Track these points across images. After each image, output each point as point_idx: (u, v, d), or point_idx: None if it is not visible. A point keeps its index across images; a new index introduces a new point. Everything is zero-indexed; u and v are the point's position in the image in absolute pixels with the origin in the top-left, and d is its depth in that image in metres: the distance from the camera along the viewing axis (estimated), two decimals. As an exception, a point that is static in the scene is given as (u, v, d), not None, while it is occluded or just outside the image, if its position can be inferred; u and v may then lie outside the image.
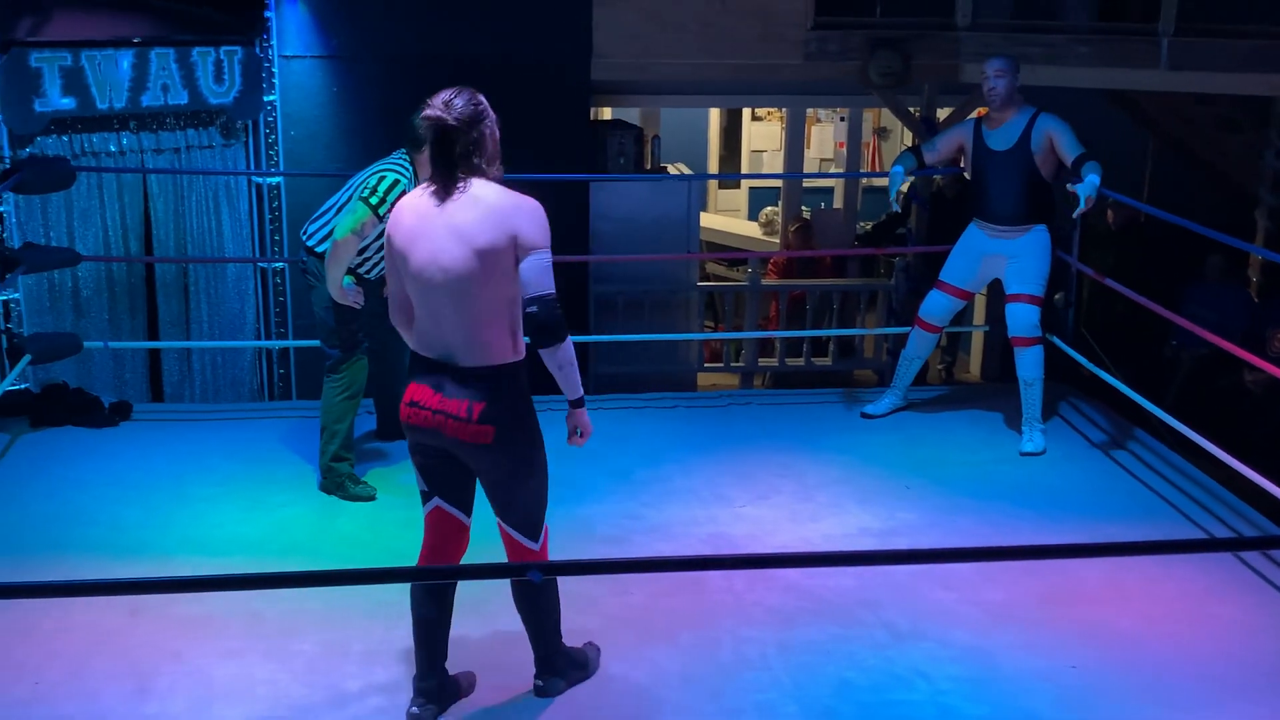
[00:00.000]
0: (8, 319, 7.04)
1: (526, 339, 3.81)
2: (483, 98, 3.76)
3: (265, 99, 7.92)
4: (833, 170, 13.39)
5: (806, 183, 12.35)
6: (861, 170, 12.11)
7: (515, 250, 3.68)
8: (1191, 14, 8.35)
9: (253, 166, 8.00)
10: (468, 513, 4.01)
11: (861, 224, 11.38)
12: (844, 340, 9.67)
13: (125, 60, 7.28)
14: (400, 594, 4.20)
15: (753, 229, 12.79)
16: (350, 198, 5.39)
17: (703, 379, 9.65)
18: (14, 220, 7.01)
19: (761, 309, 10.14)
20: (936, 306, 6.62)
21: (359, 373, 5.67)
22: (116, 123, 7.38)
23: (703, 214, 10.84)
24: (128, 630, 4.52)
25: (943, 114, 9.31)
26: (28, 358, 6.50)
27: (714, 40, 8.78)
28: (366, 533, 5.36)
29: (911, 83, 8.85)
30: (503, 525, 3.96)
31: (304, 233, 5.71)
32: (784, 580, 4.97)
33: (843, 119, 12.75)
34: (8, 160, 6.85)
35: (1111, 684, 4.36)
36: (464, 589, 4.28)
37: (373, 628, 4.55)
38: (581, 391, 3.87)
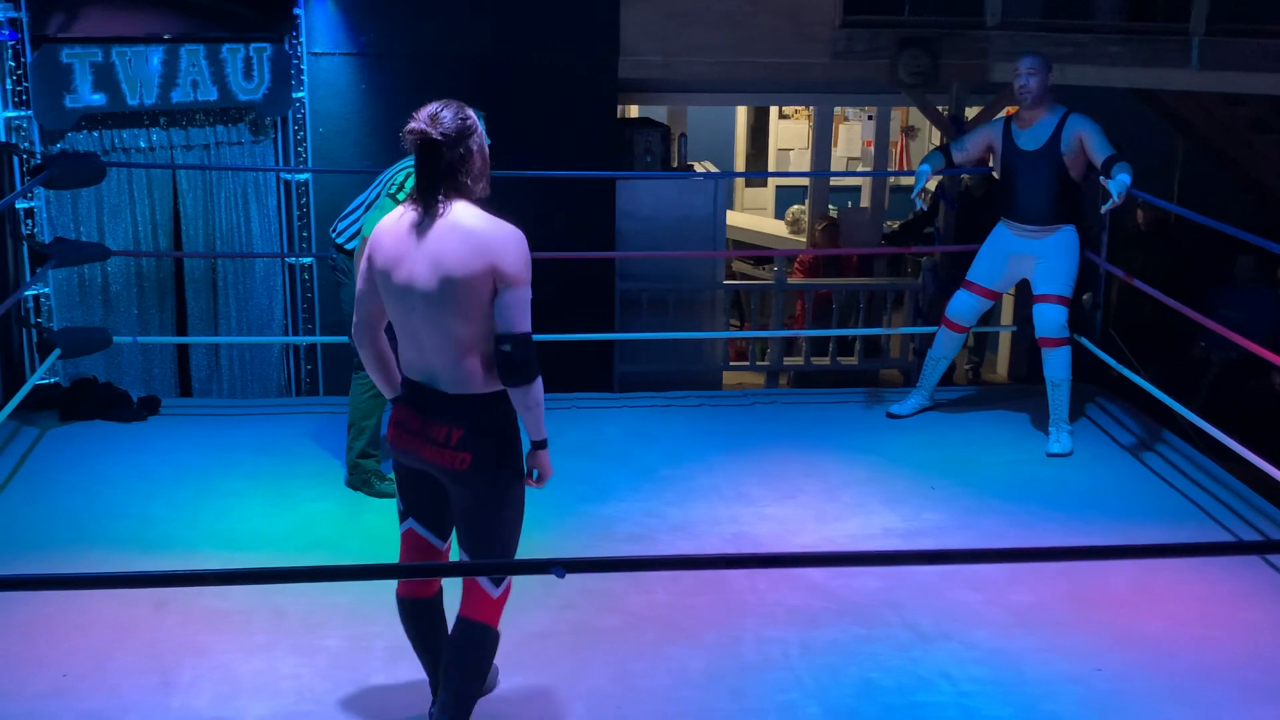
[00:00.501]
0: (38, 313, 7.09)
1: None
2: (472, 112, 3.61)
3: (294, 96, 7.96)
4: (860, 169, 13.35)
5: (834, 181, 12.31)
6: (889, 169, 12.07)
7: (494, 282, 3.52)
8: (1222, 13, 8.28)
9: (281, 163, 8.04)
10: (443, 539, 3.89)
11: (888, 223, 11.34)
12: (870, 340, 9.65)
13: (155, 57, 7.33)
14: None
15: (779, 227, 12.77)
16: (379, 195, 5.40)
17: (728, 378, 9.65)
18: (45, 215, 7.06)
19: (787, 308, 10.12)
20: (963, 306, 6.60)
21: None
22: (146, 119, 7.43)
23: (729, 212, 10.82)
24: (153, 624, 4.55)
25: (971, 113, 9.27)
26: (57, 352, 6.55)
27: (741, 38, 8.77)
28: (391, 529, 5.32)
29: (940, 82, 8.82)
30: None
31: (333, 230, 5.72)
32: (807, 580, 4.95)
33: (870, 118, 12.71)
34: (39, 156, 6.90)
35: (1138, 687, 4.33)
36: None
37: (397, 624, 4.50)
38: (544, 434, 3.71)
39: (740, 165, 13.51)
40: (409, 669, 4.29)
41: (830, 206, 11.27)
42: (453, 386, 3.62)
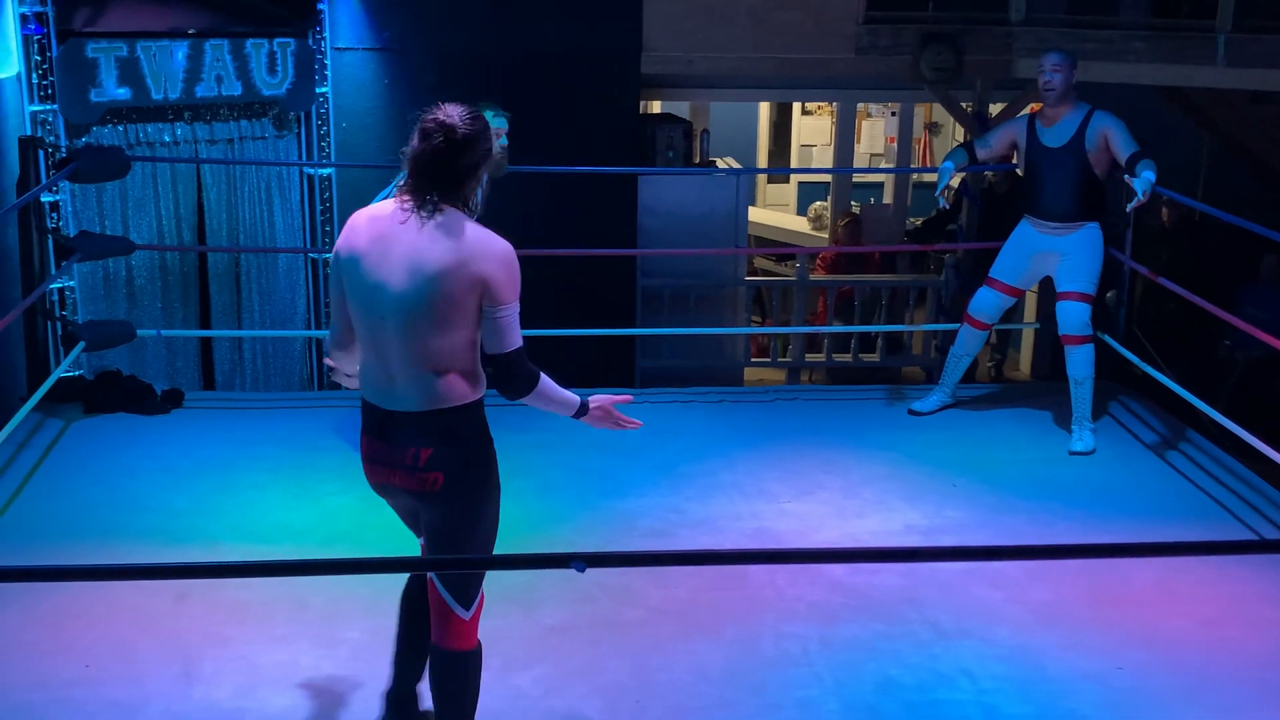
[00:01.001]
0: (63, 306, 7.14)
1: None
2: (493, 135, 3.49)
3: (318, 91, 7.99)
4: (883, 165, 13.31)
5: (856, 178, 12.28)
6: (912, 166, 12.03)
7: (481, 298, 3.34)
8: (1249, 10, 8.23)
9: (304, 157, 8.07)
10: None
11: (911, 220, 11.30)
12: (892, 336, 9.62)
13: (180, 51, 7.37)
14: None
15: (801, 224, 12.74)
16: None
17: (749, 374, 9.63)
18: (70, 209, 7.11)
19: (809, 304, 10.10)
20: (986, 303, 6.57)
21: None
22: (171, 113, 7.47)
23: (751, 208, 10.81)
24: (175, 615, 4.58)
25: (995, 109, 9.24)
26: (82, 344, 6.59)
27: (764, 34, 8.76)
28: (412, 522, 5.38)
29: (963, 78, 8.78)
30: (433, 584, 3.55)
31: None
32: (828, 576, 4.95)
33: (893, 114, 12.67)
34: (64, 149, 6.95)
35: (1159, 686, 4.31)
36: (504, 581, 4.31)
37: (417, 617, 4.57)
38: (576, 400, 3.53)
39: (762, 161, 13.48)
40: (429, 662, 4.31)
41: (853, 203, 11.24)
42: (418, 403, 3.40)
